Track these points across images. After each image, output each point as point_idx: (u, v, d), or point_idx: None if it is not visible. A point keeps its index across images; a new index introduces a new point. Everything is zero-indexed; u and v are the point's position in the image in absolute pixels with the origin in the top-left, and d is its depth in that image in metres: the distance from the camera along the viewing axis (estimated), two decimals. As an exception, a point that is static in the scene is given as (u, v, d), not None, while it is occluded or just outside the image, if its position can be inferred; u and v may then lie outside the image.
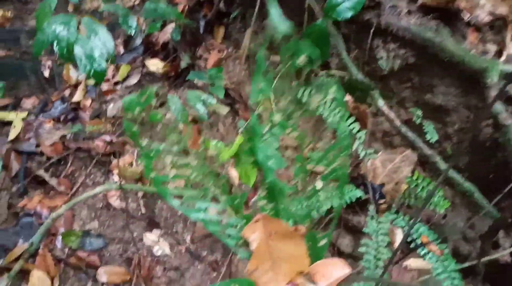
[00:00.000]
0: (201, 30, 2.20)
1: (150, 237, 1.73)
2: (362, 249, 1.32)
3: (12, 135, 1.87)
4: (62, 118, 1.99)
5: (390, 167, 1.54)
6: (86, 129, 1.90)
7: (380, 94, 1.69)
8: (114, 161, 1.88)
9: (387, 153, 1.67)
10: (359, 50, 1.76)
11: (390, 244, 1.59)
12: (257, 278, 0.47)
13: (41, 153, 1.86)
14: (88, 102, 2.08)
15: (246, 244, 0.50)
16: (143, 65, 2.20)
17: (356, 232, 1.77)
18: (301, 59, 0.49)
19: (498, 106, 1.41)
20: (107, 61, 1.07)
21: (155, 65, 2.16)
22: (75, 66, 2.22)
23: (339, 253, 1.73)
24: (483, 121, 1.53)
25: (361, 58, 1.76)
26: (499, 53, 1.50)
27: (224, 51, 2.21)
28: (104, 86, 2.13)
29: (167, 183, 0.55)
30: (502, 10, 1.47)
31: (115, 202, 1.78)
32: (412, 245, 1.48)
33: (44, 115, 1.98)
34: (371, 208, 1.60)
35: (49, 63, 2.15)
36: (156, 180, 0.50)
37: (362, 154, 1.55)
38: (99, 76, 1.06)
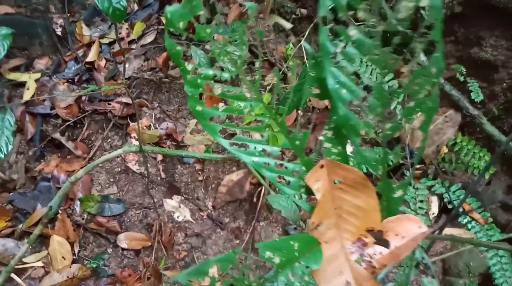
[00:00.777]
0: (221, -17, 2.07)
1: (171, 202, 1.69)
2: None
3: (26, 96, 1.83)
4: (76, 79, 1.93)
5: (431, 129, 1.44)
6: (102, 90, 1.84)
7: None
8: (132, 124, 1.83)
9: (426, 114, 1.57)
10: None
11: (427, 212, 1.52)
12: (320, 235, 0.40)
13: (57, 116, 1.82)
14: (102, 63, 2.01)
15: (308, 193, 0.43)
16: (159, 22, 2.11)
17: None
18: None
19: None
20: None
21: (171, 22, 2.06)
22: (88, 24, 2.14)
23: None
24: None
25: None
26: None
27: (245, 5, 2.10)
28: (119, 45, 2.05)
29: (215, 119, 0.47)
30: None
31: (134, 166, 1.74)
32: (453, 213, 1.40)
33: (58, 76, 1.93)
34: (408, 174, 1.51)
35: (60, 21, 2.08)
36: (203, 114, 0.42)
37: (399, 114, 1.46)
38: (119, 15, 0.96)
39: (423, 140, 0.44)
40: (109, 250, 1.60)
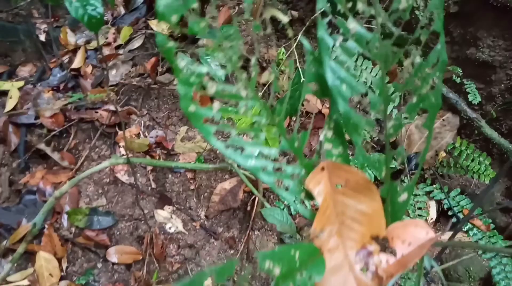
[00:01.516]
0: (210, -15, 2.08)
1: (162, 213, 1.68)
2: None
3: (9, 106, 1.80)
4: (61, 86, 1.92)
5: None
6: (88, 98, 1.82)
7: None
8: (120, 133, 1.81)
9: (424, 117, 1.57)
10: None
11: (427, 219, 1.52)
12: (322, 243, 0.39)
13: (41, 125, 1.79)
14: (89, 69, 2.00)
15: (309, 198, 0.42)
16: (147, 26, 2.10)
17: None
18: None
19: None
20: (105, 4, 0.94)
21: (159, 25, 2.06)
22: (73, 29, 2.13)
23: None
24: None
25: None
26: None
27: (235, 8, 2.10)
28: (105, 51, 2.04)
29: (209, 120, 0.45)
30: None
31: (123, 176, 1.72)
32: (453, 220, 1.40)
33: (42, 83, 1.91)
34: (406, 180, 1.52)
35: (44, 26, 2.06)
36: (196, 115, 0.40)
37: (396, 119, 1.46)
38: (95, 24, 0.91)
39: (427, 139, 0.43)
40: (99, 265, 1.57)
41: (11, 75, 1.92)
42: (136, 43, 2.06)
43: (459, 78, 1.56)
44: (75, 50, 2.04)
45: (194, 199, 1.75)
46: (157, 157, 1.79)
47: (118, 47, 2.07)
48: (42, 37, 2.03)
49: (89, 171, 1.21)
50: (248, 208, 1.73)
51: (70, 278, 1.52)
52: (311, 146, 1.76)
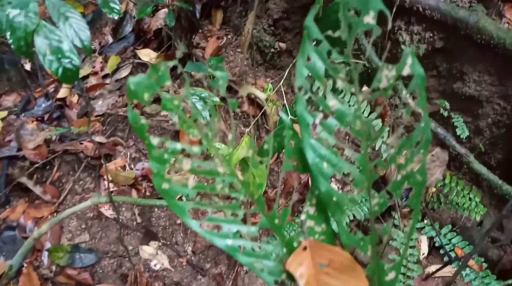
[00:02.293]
0: (198, 15, 2.09)
1: (147, 249, 1.64)
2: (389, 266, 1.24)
3: (-9, 137, 1.77)
4: (46, 117, 1.90)
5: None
6: (73, 129, 1.80)
7: (403, 84, 1.60)
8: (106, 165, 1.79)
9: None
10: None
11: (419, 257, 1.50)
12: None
13: (24, 158, 1.76)
14: (74, 99, 1.98)
15: (290, 279, 0.41)
16: (135, 56, 2.10)
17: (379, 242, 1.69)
18: (370, 17, 0.38)
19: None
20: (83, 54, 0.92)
21: (147, 55, 2.06)
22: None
23: (360, 265, 1.66)
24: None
25: (381, 42, 1.66)
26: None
27: (223, 38, 2.11)
28: (92, 80, 2.03)
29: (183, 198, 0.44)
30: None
31: (107, 211, 1.69)
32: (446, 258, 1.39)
33: (26, 114, 1.89)
34: (396, 216, 1.51)
35: (29, 55, 2.05)
36: (170, 192, 0.39)
37: (384, 154, 1.46)
38: (71, 77, 0.87)
39: (414, 213, 0.42)
40: (80, 305, 1.53)
41: (-6, 105, 1.90)
42: (124, 72, 2.06)
43: (446, 112, 1.57)
44: (60, 80, 2.02)
45: (181, 234, 1.72)
46: (143, 191, 1.76)
47: (105, 77, 2.06)
48: (28, 67, 2.02)
49: (68, 211, 1.19)
50: (236, 242, 1.70)
51: (50, 320, 1.47)
52: (299, 178, 1.74)
